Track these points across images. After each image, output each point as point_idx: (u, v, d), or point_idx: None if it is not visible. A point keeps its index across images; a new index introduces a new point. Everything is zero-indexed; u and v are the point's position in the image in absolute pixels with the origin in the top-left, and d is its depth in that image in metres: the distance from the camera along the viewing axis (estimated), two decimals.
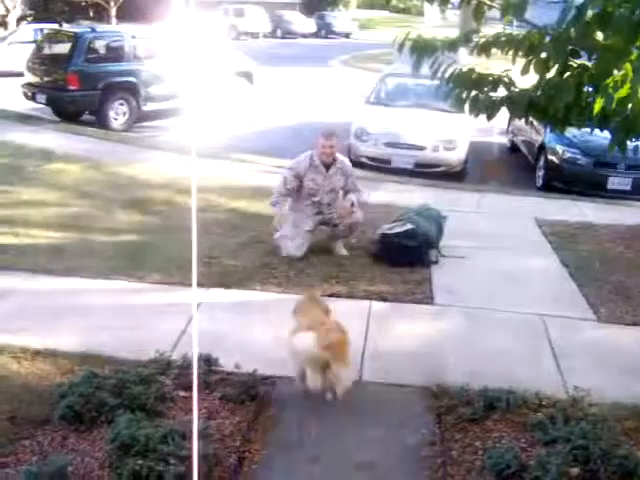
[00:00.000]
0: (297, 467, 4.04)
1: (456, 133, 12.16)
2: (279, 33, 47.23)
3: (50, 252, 7.05)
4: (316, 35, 48.14)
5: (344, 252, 7.48)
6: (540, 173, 12.10)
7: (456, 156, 12.02)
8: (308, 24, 48.49)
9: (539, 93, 3.24)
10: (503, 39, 3.30)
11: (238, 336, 5.55)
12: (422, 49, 3.55)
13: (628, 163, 11.29)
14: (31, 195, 9.09)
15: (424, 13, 55.79)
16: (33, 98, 15.22)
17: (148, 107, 15.22)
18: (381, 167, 11.94)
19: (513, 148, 14.84)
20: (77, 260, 6.84)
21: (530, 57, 3.19)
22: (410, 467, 4.11)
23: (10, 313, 5.72)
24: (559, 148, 11.59)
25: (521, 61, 3.43)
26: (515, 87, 3.63)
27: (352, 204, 7.33)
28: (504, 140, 15.79)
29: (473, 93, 3.55)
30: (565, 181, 11.52)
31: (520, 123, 13.89)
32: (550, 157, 11.70)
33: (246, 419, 4.35)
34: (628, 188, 11.33)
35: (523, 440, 4.25)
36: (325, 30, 49.17)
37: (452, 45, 3.57)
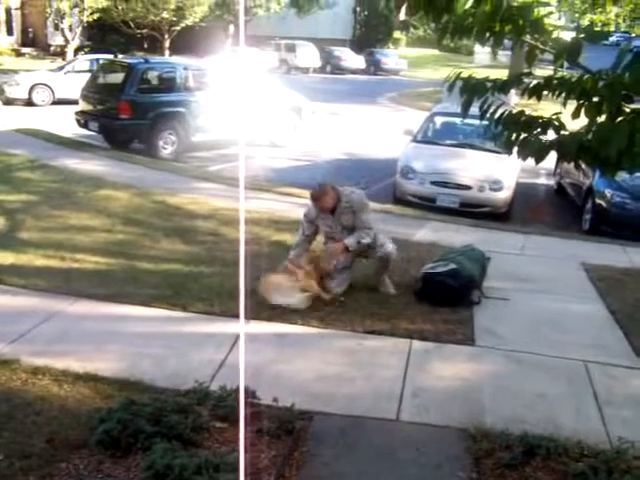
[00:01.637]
0: None
1: (503, 174, 12.09)
2: (329, 69, 47.71)
3: (95, 277, 7.15)
4: (365, 72, 48.49)
5: (391, 290, 7.37)
6: (587, 216, 11.94)
7: (502, 197, 11.94)
8: (357, 61, 48.89)
9: (590, 137, 3.21)
10: (555, 82, 3.29)
11: (277, 369, 5.54)
12: (472, 89, 3.55)
13: None
14: (79, 220, 9.26)
15: (474, 53, 56.06)
16: (86, 125, 15.58)
17: (197, 138, 15.48)
18: (426, 205, 11.90)
19: (560, 190, 14.70)
20: (121, 286, 6.92)
21: (582, 101, 3.16)
22: None
23: (54, 336, 5.80)
24: (607, 192, 11.44)
25: (572, 104, 3.41)
26: (565, 130, 3.60)
27: (345, 247, 7.15)
28: (551, 182, 15.69)
29: (522, 135, 3.53)
30: (613, 225, 11.33)
31: (568, 165, 13.87)
32: (598, 201, 11.55)
33: (281, 454, 4.31)
34: None
35: None
36: (374, 67, 49.51)
37: (503, 87, 3.57)
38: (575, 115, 3.32)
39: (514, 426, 4.80)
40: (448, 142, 13.31)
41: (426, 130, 13.95)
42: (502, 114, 3.74)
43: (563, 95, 3.31)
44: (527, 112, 3.75)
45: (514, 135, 3.51)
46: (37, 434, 4.29)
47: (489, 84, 3.55)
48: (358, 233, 7.16)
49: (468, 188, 11.92)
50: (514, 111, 3.76)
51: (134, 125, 14.69)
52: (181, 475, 3.61)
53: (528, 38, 3.36)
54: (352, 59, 48.77)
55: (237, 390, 4.82)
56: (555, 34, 3.27)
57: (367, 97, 31.26)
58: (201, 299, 6.76)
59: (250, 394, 4.83)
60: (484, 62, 50.12)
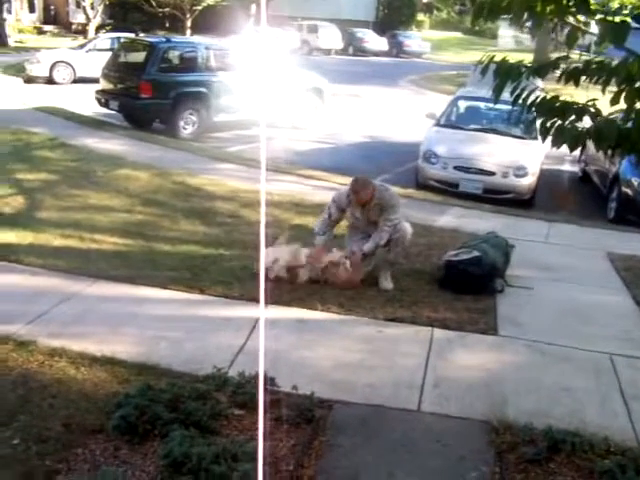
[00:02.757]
0: None
1: (527, 159, 11.90)
2: (351, 51, 47.32)
3: (114, 258, 7.09)
4: (388, 54, 48.07)
5: (388, 286, 7.06)
6: (612, 205, 11.73)
7: (526, 183, 11.75)
8: (380, 43, 48.46)
9: (629, 125, 3.07)
10: (594, 66, 3.15)
11: (296, 356, 5.46)
12: (506, 73, 3.41)
13: None
14: (98, 200, 9.20)
15: (498, 36, 55.44)
16: (106, 105, 15.52)
17: (218, 118, 15.38)
18: (449, 191, 11.74)
19: (584, 177, 14.48)
20: (140, 268, 6.85)
21: (623, 86, 3.02)
22: None
23: (72, 317, 5.74)
24: (634, 180, 11.21)
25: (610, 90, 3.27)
26: (602, 117, 3.45)
27: (364, 254, 7.05)
28: (575, 169, 15.46)
29: (557, 122, 3.39)
30: (639, 214, 11.12)
31: (593, 152, 13.59)
32: (624, 189, 11.33)
33: (300, 443, 4.23)
34: None
35: None
36: (397, 49, 49.06)
37: (539, 71, 3.42)
38: (614, 101, 3.18)
39: (537, 420, 4.68)
40: (472, 127, 13.12)
41: (449, 114, 13.76)
42: (535, 99, 3.60)
43: (602, 80, 3.16)
44: (561, 98, 3.61)
45: (549, 122, 3.36)
46: (53, 418, 4.23)
47: (524, 68, 3.40)
48: (378, 234, 7.05)
49: (492, 174, 11.74)
50: (548, 96, 3.61)
51: (155, 105, 14.60)
52: (199, 464, 3.54)
53: (570, 19, 3.21)
54: (375, 41, 48.34)
55: (256, 377, 4.75)
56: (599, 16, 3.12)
57: (389, 79, 30.97)
58: (220, 282, 6.68)
59: (269, 381, 4.75)
60: (508, 45, 49.59)
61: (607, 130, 3.16)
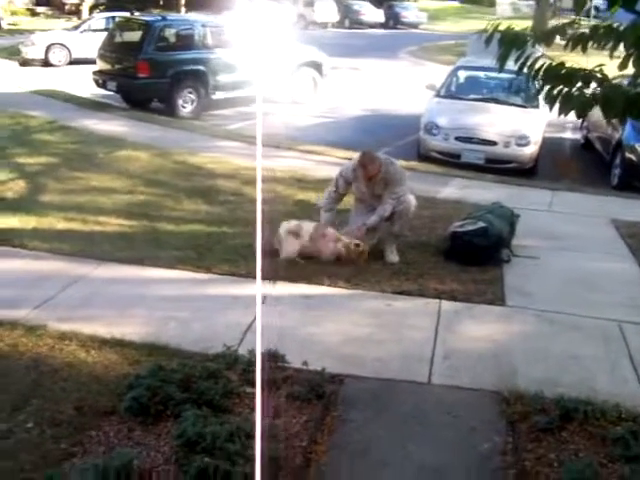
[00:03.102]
0: (364, 470, 3.92)
1: (529, 128, 11.83)
2: (347, 23, 46.90)
3: (119, 240, 7.07)
4: (384, 26, 47.65)
5: (394, 259, 7.06)
6: (616, 171, 11.66)
7: (528, 152, 11.68)
8: (377, 14, 48.01)
9: (638, 90, 3.03)
10: (601, 32, 3.10)
11: (305, 332, 5.46)
12: (512, 41, 3.36)
13: None
14: (100, 182, 9.17)
15: (496, 4, 54.92)
16: (104, 85, 15.43)
17: (217, 96, 15.30)
18: (451, 162, 11.68)
19: (587, 144, 14.39)
20: (145, 249, 6.84)
21: (631, 51, 2.97)
22: (481, 476, 3.95)
23: (79, 301, 5.74)
24: (638, 146, 11.15)
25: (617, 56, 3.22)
26: (609, 83, 3.41)
27: (367, 228, 7.08)
28: (577, 136, 15.36)
29: (564, 89, 3.34)
30: None
31: (595, 119, 13.53)
32: (628, 155, 11.25)
33: (313, 419, 4.24)
34: None
35: (602, 455, 4.04)
36: (394, 20, 48.66)
37: (545, 38, 3.38)
38: (623, 66, 3.13)
39: (548, 389, 4.69)
40: (472, 97, 13.04)
41: (449, 85, 13.65)
42: (541, 67, 3.55)
43: (609, 45, 3.12)
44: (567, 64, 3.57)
45: (556, 90, 3.32)
46: (66, 401, 4.24)
47: (529, 35, 3.35)
48: (382, 207, 7.05)
49: (494, 144, 11.67)
50: (553, 63, 3.56)
51: (153, 84, 14.51)
52: (213, 443, 3.54)
53: None
54: (371, 13, 47.90)
55: (267, 354, 4.74)
56: None
57: (387, 51, 30.74)
58: (226, 260, 6.68)
59: (279, 358, 4.76)
60: (506, 13, 49.14)
61: (615, 96, 3.12)
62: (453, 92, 13.40)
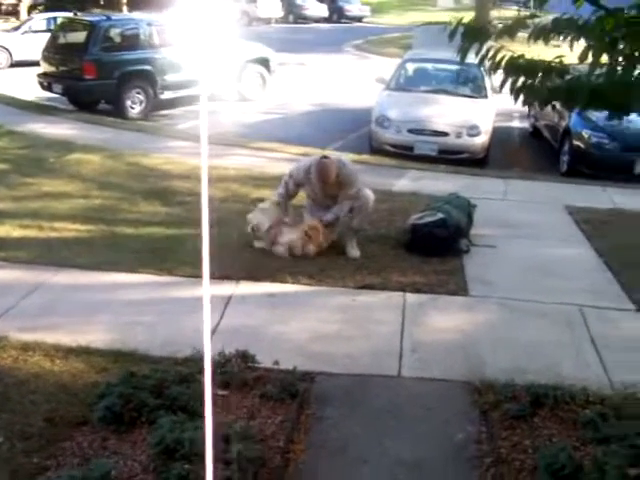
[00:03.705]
0: (343, 468, 3.92)
1: (479, 118, 11.96)
2: (291, 18, 46.74)
3: (77, 246, 6.95)
4: (329, 20, 47.63)
5: (355, 254, 7.05)
6: (565, 158, 11.87)
7: (480, 142, 11.82)
8: (320, 9, 47.94)
9: (601, 81, 3.08)
10: (563, 24, 3.14)
11: (273, 331, 5.44)
12: (474, 35, 3.39)
13: None
14: (53, 187, 9.00)
15: None
16: (49, 88, 15.12)
17: (165, 95, 15.11)
18: (404, 154, 11.75)
19: (535, 133, 14.64)
20: (105, 254, 6.73)
21: (593, 43, 3.02)
22: (459, 467, 3.99)
23: (41, 309, 5.62)
24: (585, 132, 11.38)
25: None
26: (569, 75, 3.47)
27: (324, 225, 7.10)
28: (525, 125, 15.60)
29: (528, 81, 3.39)
30: (591, 166, 11.26)
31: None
32: (576, 142, 11.48)
33: (288, 418, 4.23)
34: None
35: (574, 438, 4.11)
36: (337, 14, 48.63)
37: (508, 31, 3.42)
38: (583, 57, 3.19)
39: (517, 376, 4.74)
40: (422, 88, 13.14)
41: (399, 77, 13.72)
42: (502, 59, 3.60)
43: (571, 37, 3.17)
44: (527, 56, 3.61)
45: (520, 81, 3.36)
46: (35, 413, 4.15)
47: (491, 29, 3.39)
48: (339, 207, 7.09)
49: (445, 135, 11.78)
50: (515, 55, 3.61)
51: (100, 85, 14.26)
52: (192, 449, 3.51)
53: None
54: (315, 7, 47.83)
55: (236, 355, 4.73)
56: None
57: (333, 46, 30.77)
58: (187, 262, 6.60)
59: (249, 358, 4.73)
60: (448, 5, 49.52)
61: (579, 88, 3.17)
62: (403, 85, 13.47)
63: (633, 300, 6.28)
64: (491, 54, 3.60)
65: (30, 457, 3.78)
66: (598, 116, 11.45)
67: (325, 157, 7.03)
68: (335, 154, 7.32)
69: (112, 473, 3.44)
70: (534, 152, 13.68)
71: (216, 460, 3.47)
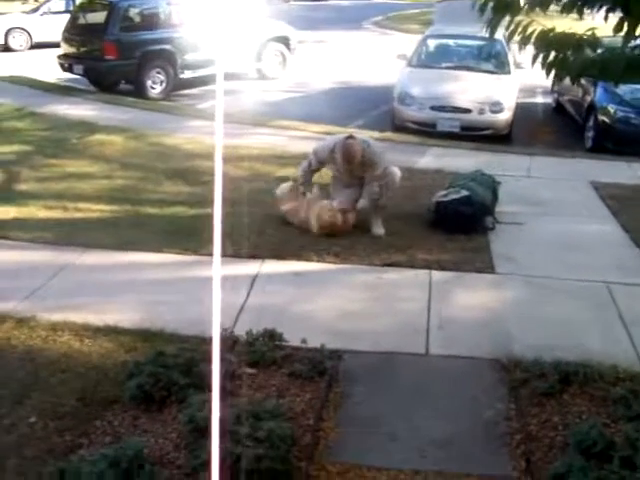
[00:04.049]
0: (373, 445, 3.93)
1: (502, 95, 11.83)
2: None
3: (102, 226, 6.98)
4: None
5: (380, 232, 7.01)
6: (589, 134, 11.73)
7: (503, 118, 11.69)
8: None
9: (637, 52, 3.03)
10: None
11: (299, 309, 5.45)
12: (504, 8, 3.33)
13: None
14: (77, 167, 9.03)
15: None
16: (70, 69, 15.12)
17: (185, 75, 15.07)
18: (426, 131, 11.65)
19: (558, 108, 14.46)
20: (130, 234, 6.75)
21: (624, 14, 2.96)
22: (489, 444, 3.98)
23: (68, 290, 5.66)
24: (611, 107, 11.22)
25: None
26: (601, 48, 3.41)
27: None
28: (548, 100, 15.41)
29: (560, 55, 3.33)
30: (617, 142, 11.10)
31: (566, 82, 13.53)
32: (601, 117, 11.32)
33: (317, 396, 4.24)
34: None
35: (604, 415, 4.09)
36: None
37: (541, 3, 3.35)
38: (618, 28, 3.13)
39: (545, 354, 4.72)
40: (444, 65, 13.01)
41: (420, 54, 13.58)
42: (532, 33, 3.53)
43: (604, 9, 3.11)
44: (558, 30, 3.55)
45: (551, 55, 3.31)
46: (66, 392, 4.19)
47: (522, 2, 3.33)
48: (368, 188, 7.08)
49: (468, 111, 11.67)
50: (545, 29, 3.54)
51: (120, 65, 14.26)
52: (222, 427, 3.51)
53: None
54: None
55: (264, 334, 4.74)
56: None
57: (353, 23, 30.52)
58: (212, 241, 6.59)
59: (277, 337, 4.74)
60: None
61: (614, 61, 3.11)
62: (424, 61, 13.33)
63: None
64: (521, 28, 3.53)
65: (63, 436, 3.83)
66: (624, 90, 11.30)
67: (350, 137, 6.97)
68: (359, 133, 7.25)
69: (144, 451, 3.45)
70: (558, 128, 13.52)
71: (247, 438, 3.50)
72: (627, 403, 4.09)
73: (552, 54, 3.33)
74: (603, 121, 11.30)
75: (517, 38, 3.58)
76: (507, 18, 3.58)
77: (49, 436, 3.80)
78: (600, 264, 6.49)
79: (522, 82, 13.14)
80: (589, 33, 3.46)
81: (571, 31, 3.49)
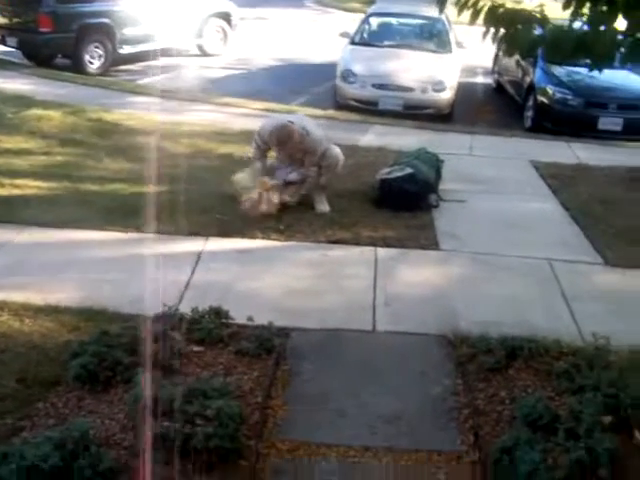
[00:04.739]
0: (322, 422, 3.92)
1: (445, 74, 11.88)
2: None
3: (41, 203, 6.76)
4: None
5: (324, 208, 6.99)
6: (529, 114, 11.91)
7: (445, 97, 11.76)
8: None
9: (585, 30, 3.05)
10: None
11: (245, 287, 5.39)
12: None
13: (619, 103, 11.22)
14: (13, 143, 8.72)
15: None
16: (3, 41, 14.58)
17: (124, 50, 14.69)
18: (369, 109, 11.63)
19: (499, 88, 14.63)
20: (70, 211, 6.57)
21: None
22: (437, 419, 4.01)
23: (7, 268, 5.48)
24: (549, 88, 11.41)
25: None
26: (549, 24, 3.43)
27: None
28: (489, 80, 15.57)
29: (510, 31, 3.34)
30: (555, 122, 11.31)
31: (506, 63, 13.74)
32: (540, 98, 11.50)
33: (265, 374, 4.20)
34: (619, 129, 11.17)
35: (549, 389, 4.16)
36: None
37: None
38: (566, 5, 3.14)
39: (490, 329, 4.78)
40: (387, 43, 13.01)
41: (363, 32, 13.53)
42: (482, 8, 3.53)
43: None
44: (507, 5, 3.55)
45: (501, 31, 3.31)
46: (6, 374, 4.05)
47: None
48: (306, 169, 7.05)
49: (411, 90, 11.68)
50: (494, 4, 3.54)
51: (57, 39, 13.78)
52: (170, 405, 3.46)
53: None
54: None
55: (209, 311, 4.67)
56: None
57: (294, 0, 30.23)
58: (154, 219, 6.48)
59: (223, 314, 4.69)
60: None
61: (564, 39, 3.12)
62: (367, 39, 13.30)
63: (601, 254, 6.35)
64: (471, 3, 3.53)
65: (3, 418, 3.70)
66: (562, 72, 11.50)
67: (290, 122, 6.90)
68: (301, 111, 7.18)
69: (90, 433, 3.37)
70: (498, 108, 13.66)
71: (195, 417, 3.45)
72: (570, 377, 4.16)
73: (501, 30, 3.32)
74: (542, 102, 11.49)
75: (467, 13, 3.57)
76: None
77: None
78: (542, 241, 6.59)
79: (463, 62, 13.22)
80: (538, 9, 3.46)
81: (520, 7, 3.50)
